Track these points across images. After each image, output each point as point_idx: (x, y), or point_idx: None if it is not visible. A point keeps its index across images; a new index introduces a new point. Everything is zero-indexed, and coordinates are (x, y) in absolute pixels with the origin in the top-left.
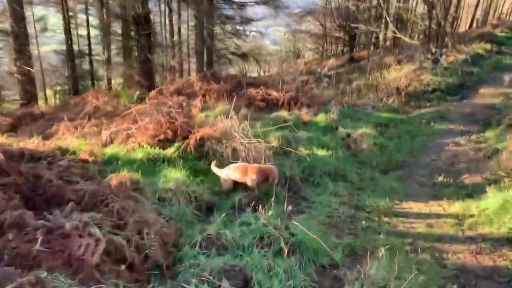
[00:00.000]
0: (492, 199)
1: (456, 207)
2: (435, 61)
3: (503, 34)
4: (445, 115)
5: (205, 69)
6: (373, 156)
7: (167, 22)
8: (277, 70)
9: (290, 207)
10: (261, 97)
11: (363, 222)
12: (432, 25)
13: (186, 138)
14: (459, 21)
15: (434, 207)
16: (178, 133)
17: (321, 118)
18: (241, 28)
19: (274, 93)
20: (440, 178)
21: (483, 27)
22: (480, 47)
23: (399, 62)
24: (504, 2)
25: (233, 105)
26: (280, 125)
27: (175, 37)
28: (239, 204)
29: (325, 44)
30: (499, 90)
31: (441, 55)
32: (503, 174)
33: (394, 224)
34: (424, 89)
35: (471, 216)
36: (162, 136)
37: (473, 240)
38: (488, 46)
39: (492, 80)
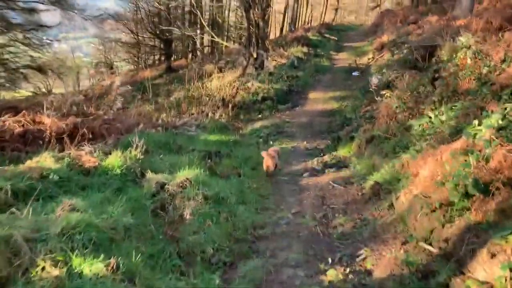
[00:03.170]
0: None
1: None
2: (261, 66)
3: (315, 37)
4: (282, 129)
5: None
6: (205, 232)
7: None
8: (75, 85)
9: None
10: (22, 130)
11: None
12: (251, 27)
13: None
14: (269, 27)
15: None
16: None
17: (116, 159)
18: (32, 35)
19: (47, 121)
20: (331, 273)
21: (296, 32)
22: (298, 51)
23: (220, 69)
24: (308, 11)
25: None
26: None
27: None
28: None
29: (139, 54)
30: (328, 94)
31: (266, 59)
32: (434, 250)
33: None
34: (253, 98)
35: None
36: None
37: None
38: (305, 49)
39: (318, 83)
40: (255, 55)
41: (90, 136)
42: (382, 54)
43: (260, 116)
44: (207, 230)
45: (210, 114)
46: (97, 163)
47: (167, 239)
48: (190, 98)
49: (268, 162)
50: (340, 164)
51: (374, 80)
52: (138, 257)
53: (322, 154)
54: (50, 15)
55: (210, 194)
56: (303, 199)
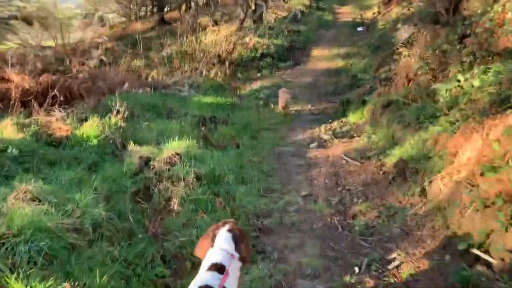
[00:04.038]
0: None
1: None
2: (259, 19)
3: None
4: None
5: None
6: (197, 226)
7: None
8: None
9: None
10: None
11: None
12: None
13: None
14: None
15: None
16: None
17: (92, 127)
18: None
19: (17, 79)
20: None
21: None
22: (299, 3)
23: (216, 22)
24: None
25: None
26: None
27: None
28: None
29: (130, 4)
30: (332, 51)
31: (265, 10)
32: (495, 262)
33: None
34: (251, 55)
35: None
36: None
37: None
38: (307, 1)
39: (321, 39)
40: (253, 7)
41: (67, 97)
42: (389, 8)
43: (259, 75)
44: (200, 222)
45: (204, 72)
46: (69, 132)
47: (149, 236)
48: (183, 54)
49: (284, 99)
50: (352, 133)
51: (404, 34)
52: (105, 277)
53: (330, 120)
54: None
55: (204, 172)
56: (314, 177)
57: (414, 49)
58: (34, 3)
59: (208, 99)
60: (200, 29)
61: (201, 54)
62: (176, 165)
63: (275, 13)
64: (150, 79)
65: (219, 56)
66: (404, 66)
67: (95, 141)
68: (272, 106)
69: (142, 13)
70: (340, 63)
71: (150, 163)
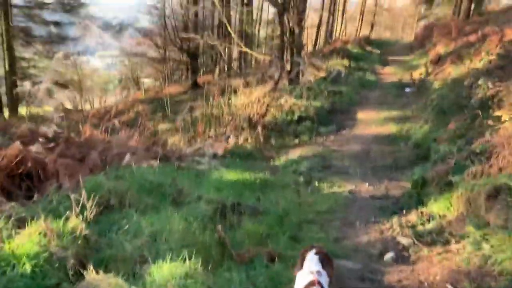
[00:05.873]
0: None
1: None
2: (296, 79)
3: (356, 50)
4: (329, 161)
5: None
6: None
7: None
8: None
9: None
10: None
11: None
12: (285, 34)
13: None
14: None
15: None
16: None
17: (32, 237)
18: (55, 50)
19: None
20: None
21: (333, 44)
22: (338, 63)
23: (247, 83)
24: (343, 27)
25: None
26: None
27: None
28: None
29: (165, 69)
30: (381, 114)
31: (303, 70)
32: None
33: None
34: (287, 118)
35: None
36: None
37: None
38: (346, 62)
39: (365, 101)
40: (289, 67)
41: (40, 177)
42: (443, 67)
43: (297, 141)
44: None
45: (232, 138)
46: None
47: None
48: (209, 117)
49: None
50: (446, 235)
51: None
52: None
53: (402, 209)
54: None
55: None
56: None
57: None
58: (72, 68)
59: (233, 175)
60: (231, 91)
61: (230, 117)
62: None
63: (313, 73)
64: (167, 147)
65: (250, 119)
66: (509, 136)
67: (28, 266)
68: (316, 183)
69: (176, 77)
70: (393, 127)
71: None
